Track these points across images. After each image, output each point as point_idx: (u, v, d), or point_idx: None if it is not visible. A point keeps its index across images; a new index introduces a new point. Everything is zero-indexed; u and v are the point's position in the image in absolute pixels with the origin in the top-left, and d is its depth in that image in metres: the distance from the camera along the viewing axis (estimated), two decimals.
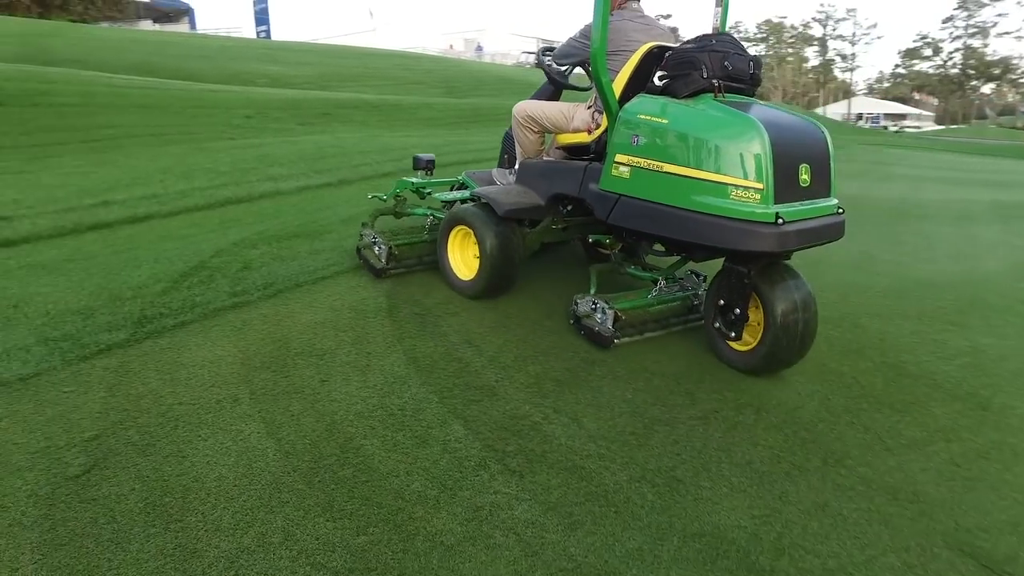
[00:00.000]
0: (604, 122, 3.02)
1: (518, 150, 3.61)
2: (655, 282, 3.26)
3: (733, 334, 2.85)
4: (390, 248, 3.57)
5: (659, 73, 2.82)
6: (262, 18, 26.06)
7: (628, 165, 2.79)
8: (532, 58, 40.07)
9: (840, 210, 2.76)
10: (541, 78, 3.78)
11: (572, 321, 3.12)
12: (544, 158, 3.51)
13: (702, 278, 3.35)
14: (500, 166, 3.91)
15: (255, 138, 8.17)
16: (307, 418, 2.36)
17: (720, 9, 3.42)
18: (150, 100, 8.88)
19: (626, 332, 3.02)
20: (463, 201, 3.62)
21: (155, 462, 2.07)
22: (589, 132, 3.18)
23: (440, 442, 2.27)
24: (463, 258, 3.47)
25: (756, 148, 2.45)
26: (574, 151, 3.35)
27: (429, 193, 4.02)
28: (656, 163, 2.68)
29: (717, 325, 2.92)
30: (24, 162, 6.06)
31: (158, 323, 2.98)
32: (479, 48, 40.79)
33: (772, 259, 2.74)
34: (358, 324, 3.12)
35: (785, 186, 2.50)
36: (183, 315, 3.07)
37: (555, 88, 3.70)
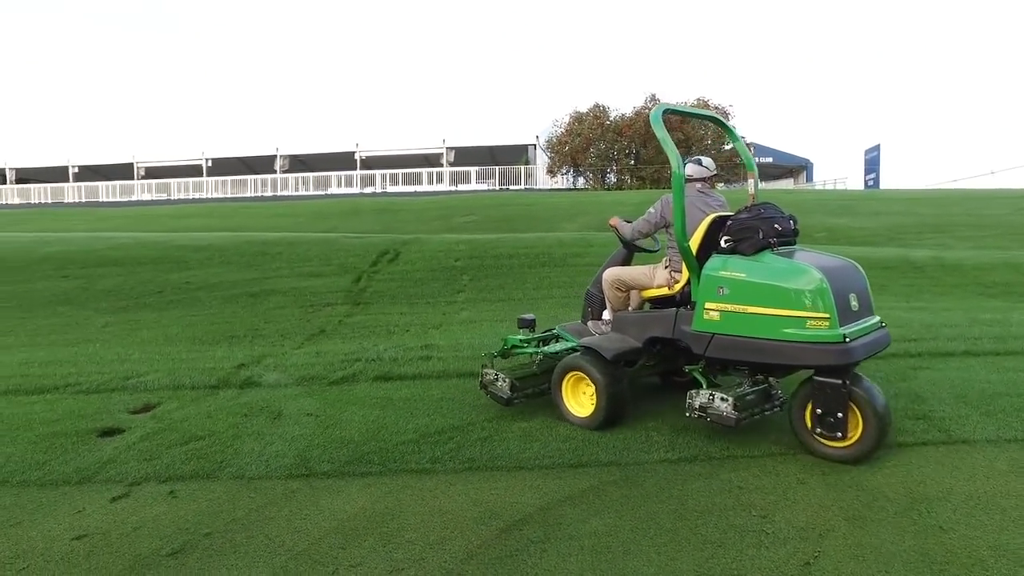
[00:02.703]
0: (682, 278, 4.26)
1: (608, 306, 4.75)
2: (740, 383, 4.01)
3: (839, 434, 3.65)
4: (512, 381, 4.50)
5: (724, 238, 3.92)
6: (872, 167, 25.58)
7: (717, 311, 3.84)
8: None
9: (883, 324, 3.95)
10: None
11: (695, 414, 3.90)
12: (629, 310, 4.68)
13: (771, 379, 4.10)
14: (584, 319, 4.98)
15: None
16: None
17: (754, 181, 4.85)
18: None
19: (743, 414, 3.81)
20: (568, 351, 4.61)
21: (205, 566, 2.81)
22: (670, 287, 4.36)
23: None
24: (576, 398, 4.42)
25: (820, 289, 3.52)
26: (657, 302, 4.53)
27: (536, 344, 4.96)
28: (742, 307, 3.74)
29: (819, 431, 3.73)
30: (505, 311, 8.18)
31: (361, 467, 3.83)
32: None
33: (847, 369, 3.59)
34: (475, 532, 3.16)
35: (843, 312, 3.54)
36: (382, 465, 3.83)
37: (628, 252, 4.92)
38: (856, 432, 3.65)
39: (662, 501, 3.34)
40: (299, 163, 39.02)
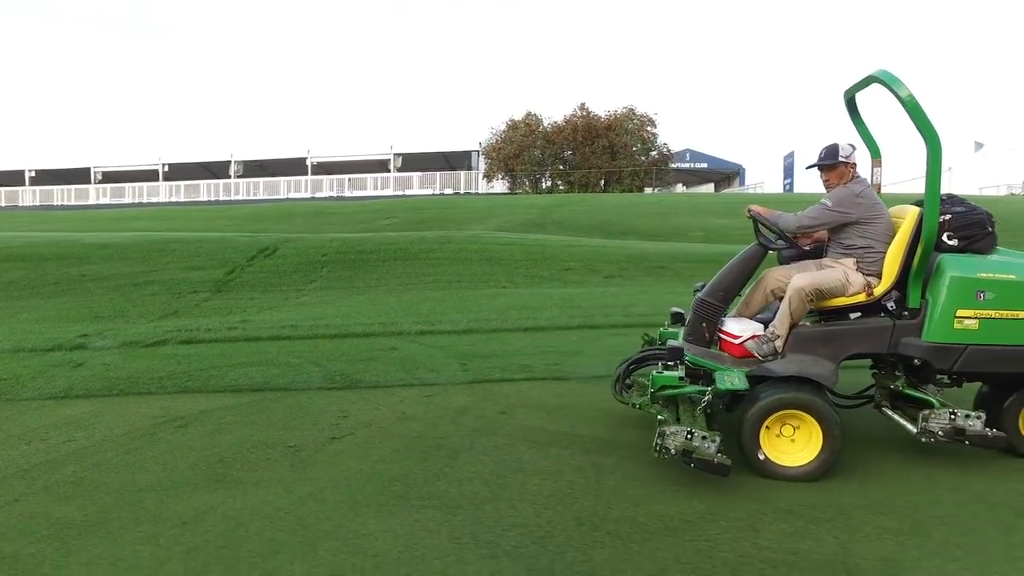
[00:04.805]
0: (882, 283, 3.75)
1: (784, 320, 3.72)
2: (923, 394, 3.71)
3: None
4: (720, 439, 3.35)
5: (947, 234, 3.66)
6: (788, 171, 27.65)
7: (975, 318, 3.51)
8: None
9: None
10: None
11: (936, 439, 3.45)
12: (740, 316, 4.04)
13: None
14: (692, 339, 3.99)
15: (522, 288, 10.01)
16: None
17: (880, 171, 4.17)
18: (494, 254, 11.88)
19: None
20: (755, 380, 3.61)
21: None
22: (868, 294, 3.76)
23: None
24: (772, 443, 3.56)
25: None
26: (838, 312, 3.84)
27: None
28: (1011, 312, 3.50)
29: None
30: (338, 296, 9.69)
31: (105, 392, 5.32)
32: None
33: None
34: (143, 423, 4.65)
35: None
36: (121, 391, 5.32)
37: (764, 252, 4.07)
38: None
39: (282, 412, 4.84)
40: (258, 168, 40.37)
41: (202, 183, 36.90)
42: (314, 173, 37.05)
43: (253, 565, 2.75)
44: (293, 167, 37.70)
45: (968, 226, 3.66)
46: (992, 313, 3.48)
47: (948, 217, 3.64)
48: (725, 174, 37.98)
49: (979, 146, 40.11)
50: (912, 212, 3.72)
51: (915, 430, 3.56)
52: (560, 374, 5.56)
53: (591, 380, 5.36)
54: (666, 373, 3.77)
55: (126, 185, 37.40)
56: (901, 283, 3.72)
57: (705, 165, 36.30)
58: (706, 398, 3.63)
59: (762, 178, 33.25)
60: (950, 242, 3.64)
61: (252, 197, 34.98)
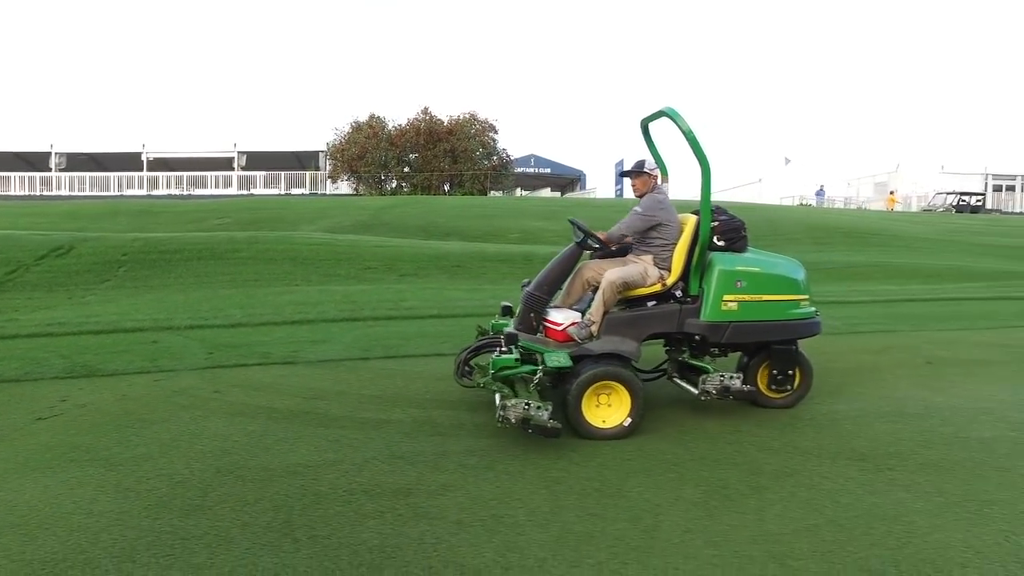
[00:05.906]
0: (672, 275, 4.60)
1: (599, 309, 4.42)
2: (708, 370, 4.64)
3: (788, 387, 4.80)
4: (551, 407, 4.01)
5: (715, 237, 4.56)
6: (619, 178, 30.20)
7: (736, 301, 4.49)
8: (951, 200, 33.69)
9: None
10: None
11: (710, 396, 4.45)
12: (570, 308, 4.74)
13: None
14: (522, 327, 4.58)
15: (314, 285, 10.54)
16: None
17: (666, 185, 5.02)
18: (300, 254, 12.25)
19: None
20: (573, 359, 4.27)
21: None
22: (663, 284, 4.60)
23: None
24: (591, 411, 4.28)
25: (805, 276, 4.75)
26: (638, 299, 4.62)
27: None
28: (757, 296, 4.52)
29: (773, 387, 4.81)
30: (128, 295, 9.73)
31: None
32: (819, 192, 36.75)
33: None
34: None
35: None
36: None
37: (580, 252, 4.73)
38: (794, 385, 4.83)
39: None
40: (89, 161, 37.37)
41: (14, 175, 33.58)
42: (151, 169, 34.97)
43: None
44: (127, 162, 35.34)
45: (730, 231, 4.63)
46: (746, 297, 4.47)
47: (716, 224, 4.54)
48: (568, 179, 40.29)
49: (788, 161, 45.59)
50: (692, 219, 4.59)
51: (696, 391, 4.51)
52: (292, 359, 6.22)
53: (317, 363, 6.10)
54: (504, 356, 4.36)
55: None
56: (684, 275, 4.61)
57: (549, 170, 38.38)
58: (538, 376, 4.26)
59: (597, 183, 36.00)
60: (719, 243, 4.58)
61: (77, 193, 32.38)
